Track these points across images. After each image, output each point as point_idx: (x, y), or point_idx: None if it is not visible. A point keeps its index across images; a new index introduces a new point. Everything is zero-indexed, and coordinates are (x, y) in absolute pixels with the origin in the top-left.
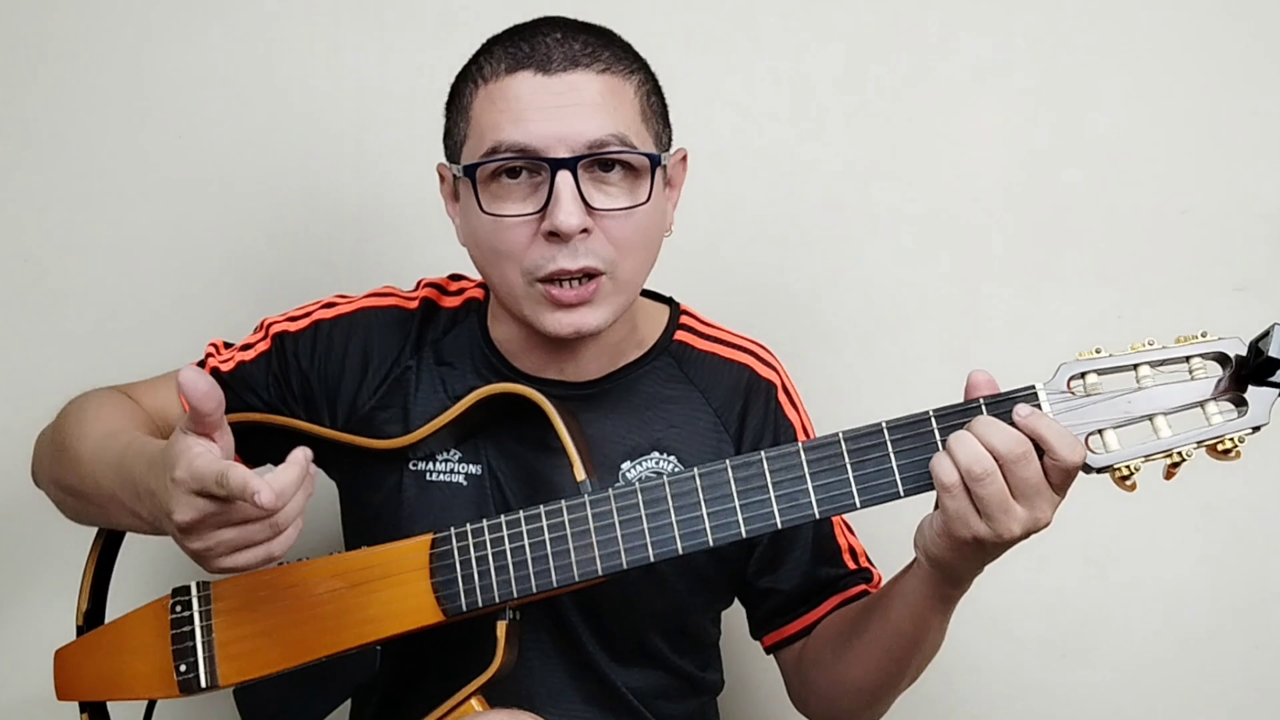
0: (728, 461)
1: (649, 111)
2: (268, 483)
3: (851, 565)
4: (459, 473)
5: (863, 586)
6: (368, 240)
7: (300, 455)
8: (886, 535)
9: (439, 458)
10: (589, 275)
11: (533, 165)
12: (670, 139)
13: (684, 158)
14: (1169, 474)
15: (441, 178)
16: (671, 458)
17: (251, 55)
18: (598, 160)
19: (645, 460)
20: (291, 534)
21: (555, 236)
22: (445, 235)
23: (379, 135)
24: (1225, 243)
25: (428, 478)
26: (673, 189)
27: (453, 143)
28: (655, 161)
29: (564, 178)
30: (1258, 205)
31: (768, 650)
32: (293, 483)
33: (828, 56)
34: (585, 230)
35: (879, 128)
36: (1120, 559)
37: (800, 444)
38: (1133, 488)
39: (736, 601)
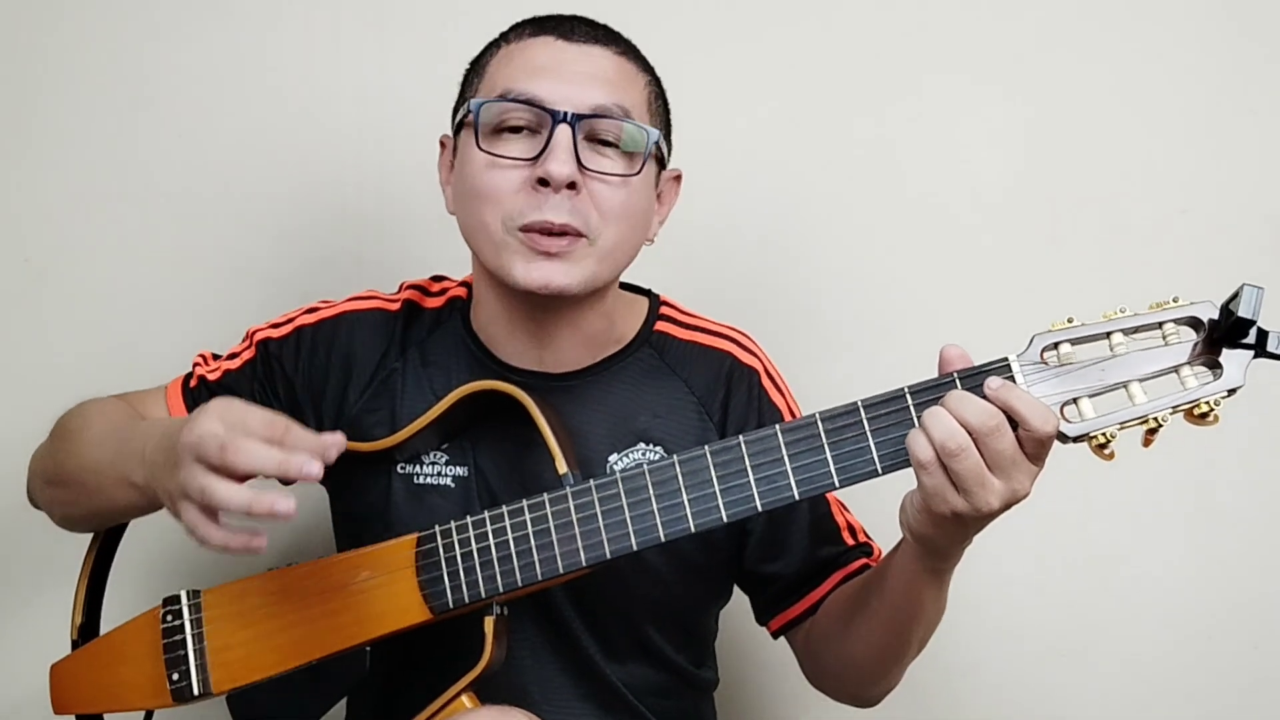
0: (707, 447)
1: (654, 108)
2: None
3: (850, 542)
4: (446, 475)
5: (863, 561)
6: (368, 240)
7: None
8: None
9: (426, 460)
10: (569, 235)
11: (535, 122)
12: (669, 153)
13: (678, 178)
14: (1146, 441)
15: (442, 147)
16: (657, 448)
17: (252, 55)
18: (598, 137)
19: (631, 452)
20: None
21: (544, 185)
22: (445, 235)
23: (379, 135)
24: (1225, 243)
25: (415, 481)
26: (662, 205)
27: (462, 102)
28: (652, 140)
29: (562, 130)
30: (1258, 206)
31: (775, 634)
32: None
33: (827, 56)
34: (573, 186)
35: (879, 128)
36: (1120, 559)
37: (778, 426)
38: (1111, 456)
39: (733, 598)
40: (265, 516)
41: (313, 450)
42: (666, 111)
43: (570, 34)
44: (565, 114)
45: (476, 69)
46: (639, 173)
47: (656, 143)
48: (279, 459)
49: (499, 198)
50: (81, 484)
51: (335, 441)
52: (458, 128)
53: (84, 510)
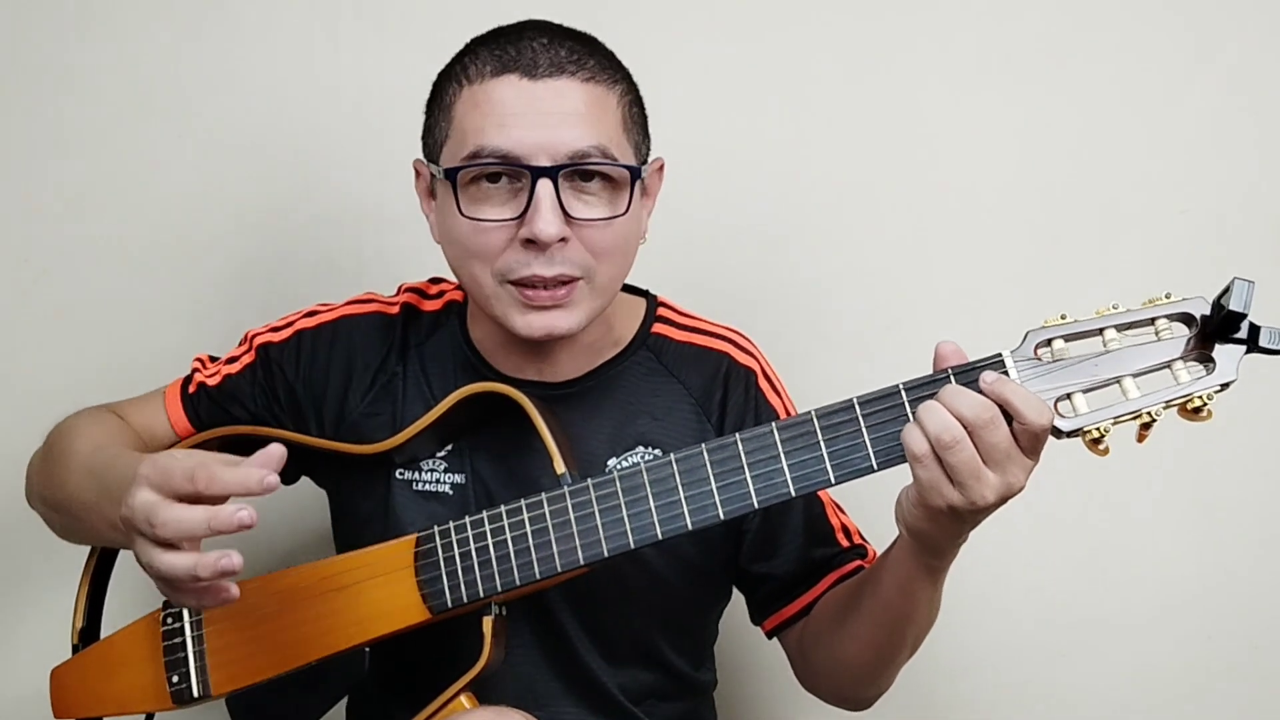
0: (704, 446)
1: (630, 122)
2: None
3: (845, 544)
4: (444, 481)
5: (858, 562)
6: (368, 241)
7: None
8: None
9: (424, 466)
10: (563, 281)
11: (513, 172)
12: (649, 149)
13: (661, 167)
14: (1140, 436)
15: (418, 174)
16: (656, 451)
17: (251, 55)
18: (578, 170)
19: (630, 455)
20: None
21: (532, 244)
22: None
23: (379, 135)
24: (1223, 243)
25: (414, 487)
26: (649, 198)
27: (433, 141)
28: (635, 174)
29: (544, 186)
30: (1257, 205)
31: (769, 635)
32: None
33: (825, 55)
34: (563, 239)
35: (878, 127)
36: (1120, 559)
37: (774, 424)
38: (1105, 452)
39: (731, 599)
40: (214, 576)
41: (242, 485)
42: (643, 113)
43: (534, 70)
44: (544, 169)
45: (441, 106)
46: (625, 211)
47: (639, 172)
48: (204, 519)
49: (488, 256)
50: (75, 515)
51: (266, 462)
52: (430, 169)
53: (82, 537)
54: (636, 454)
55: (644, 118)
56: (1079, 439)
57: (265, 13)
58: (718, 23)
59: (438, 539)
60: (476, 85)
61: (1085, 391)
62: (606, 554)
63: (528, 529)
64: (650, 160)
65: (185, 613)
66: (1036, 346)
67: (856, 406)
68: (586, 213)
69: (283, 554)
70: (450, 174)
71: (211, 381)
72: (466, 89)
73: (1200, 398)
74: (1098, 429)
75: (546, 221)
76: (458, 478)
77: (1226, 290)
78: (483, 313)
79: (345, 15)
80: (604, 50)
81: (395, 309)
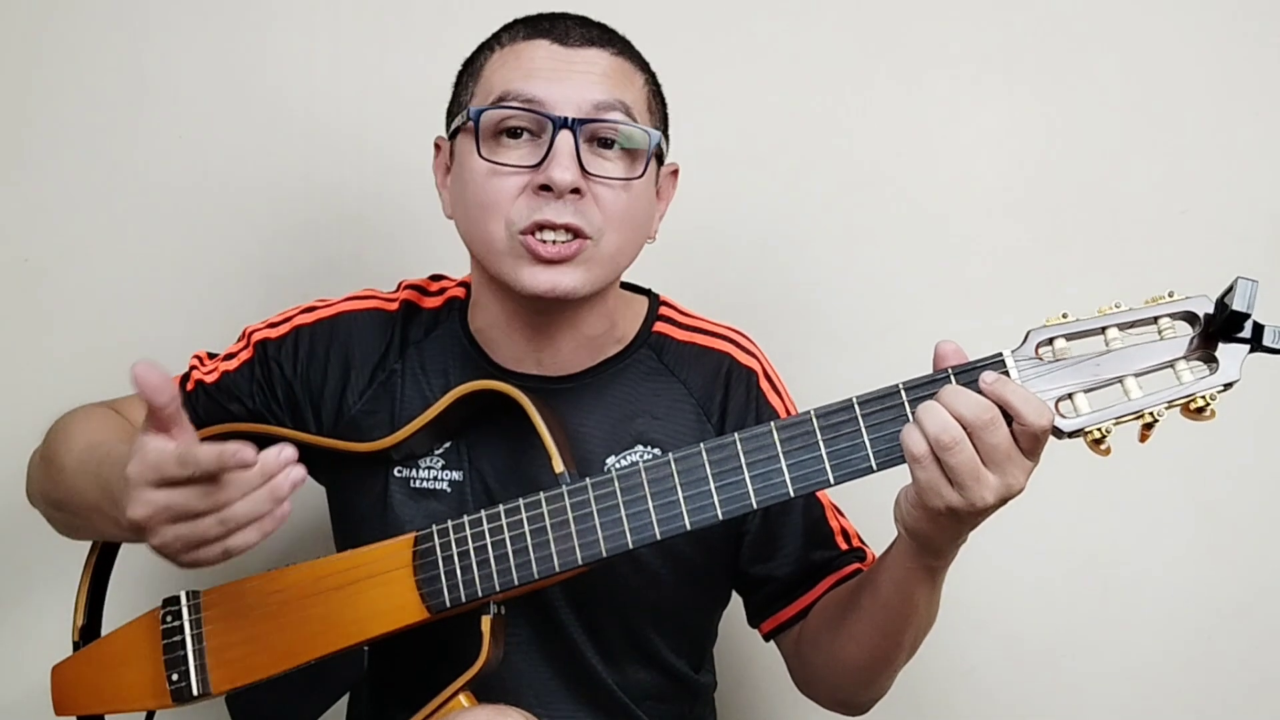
0: (702, 445)
1: (654, 105)
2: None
3: (844, 546)
4: (442, 479)
5: (856, 565)
6: (368, 241)
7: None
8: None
9: (423, 464)
10: (573, 234)
11: (535, 126)
12: (667, 149)
13: (675, 172)
14: (1143, 436)
15: (437, 149)
16: (655, 450)
17: (251, 55)
18: (598, 137)
19: (629, 454)
20: (250, 534)
21: (546, 190)
22: (445, 235)
23: (379, 135)
24: (1225, 243)
25: (412, 484)
26: (661, 200)
27: (458, 106)
28: (654, 141)
29: (564, 136)
30: (1258, 205)
31: (766, 637)
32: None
33: (828, 56)
34: (576, 191)
35: (879, 128)
36: (1120, 559)
37: (773, 423)
38: (1107, 452)
39: (731, 600)
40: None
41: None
42: (664, 109)
43: (565, 38)
44: (566, 119)
45: (471, 72)
46: (641, 175)
47: (658, 143)
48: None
49: (501, 204)
50: (75, 513)
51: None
52: (454, 132)
53: (87, 535)
54: (635, 453)
55: (665, 114)
56: (1080, 439)
57: (265, 12)
58: (719, 24)
59: (436, 538)
60: (508, 47)
61: (1087, 391)
62: (605, 554)
63: (526, 529)
64: (666, 164)
65: (185, 611)
66: (1038, 345)
67: (856, 406)
68: (603, 170)
69: (282, 553)
70: (476, 115)
71: (209, 379)
72: (498, 52)
73: (1203, 397)
74: (1099, 429)
75: (563, 168)
76: (455, 475)
77: (1230, 289)
78: (488, 289)
79: (346, 14)
80: (633, 46)
81: (394, 305)
